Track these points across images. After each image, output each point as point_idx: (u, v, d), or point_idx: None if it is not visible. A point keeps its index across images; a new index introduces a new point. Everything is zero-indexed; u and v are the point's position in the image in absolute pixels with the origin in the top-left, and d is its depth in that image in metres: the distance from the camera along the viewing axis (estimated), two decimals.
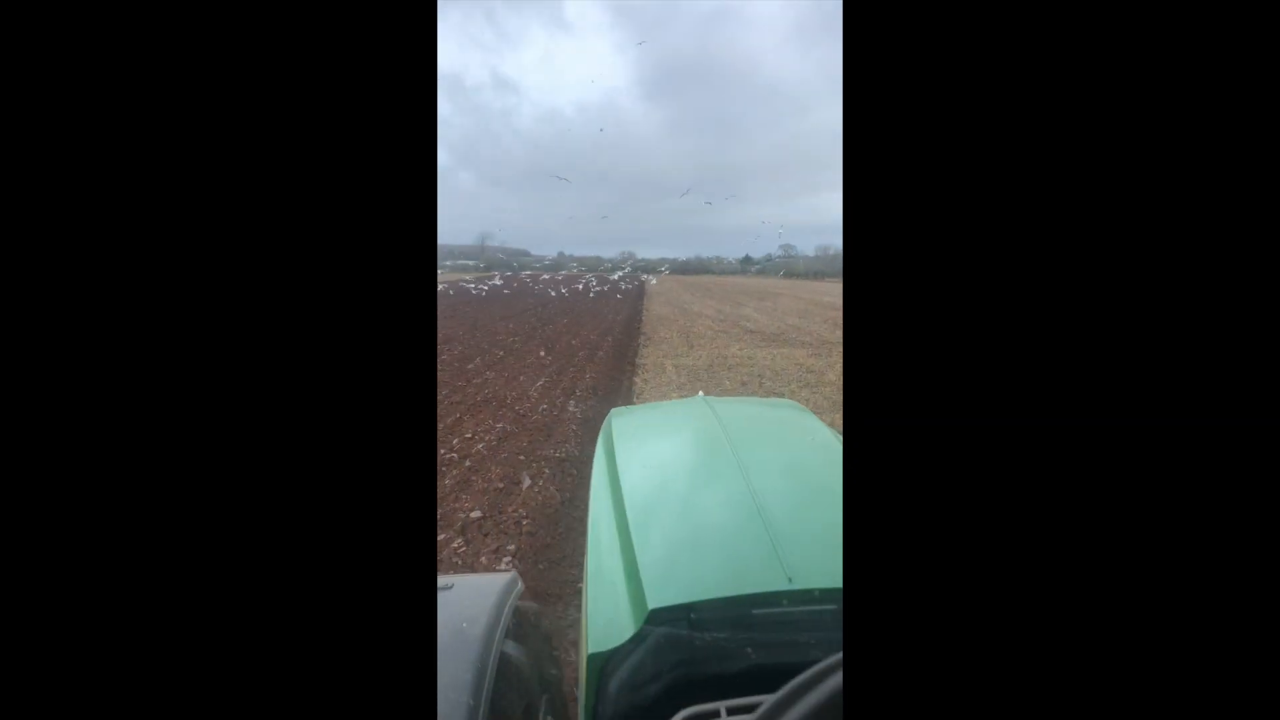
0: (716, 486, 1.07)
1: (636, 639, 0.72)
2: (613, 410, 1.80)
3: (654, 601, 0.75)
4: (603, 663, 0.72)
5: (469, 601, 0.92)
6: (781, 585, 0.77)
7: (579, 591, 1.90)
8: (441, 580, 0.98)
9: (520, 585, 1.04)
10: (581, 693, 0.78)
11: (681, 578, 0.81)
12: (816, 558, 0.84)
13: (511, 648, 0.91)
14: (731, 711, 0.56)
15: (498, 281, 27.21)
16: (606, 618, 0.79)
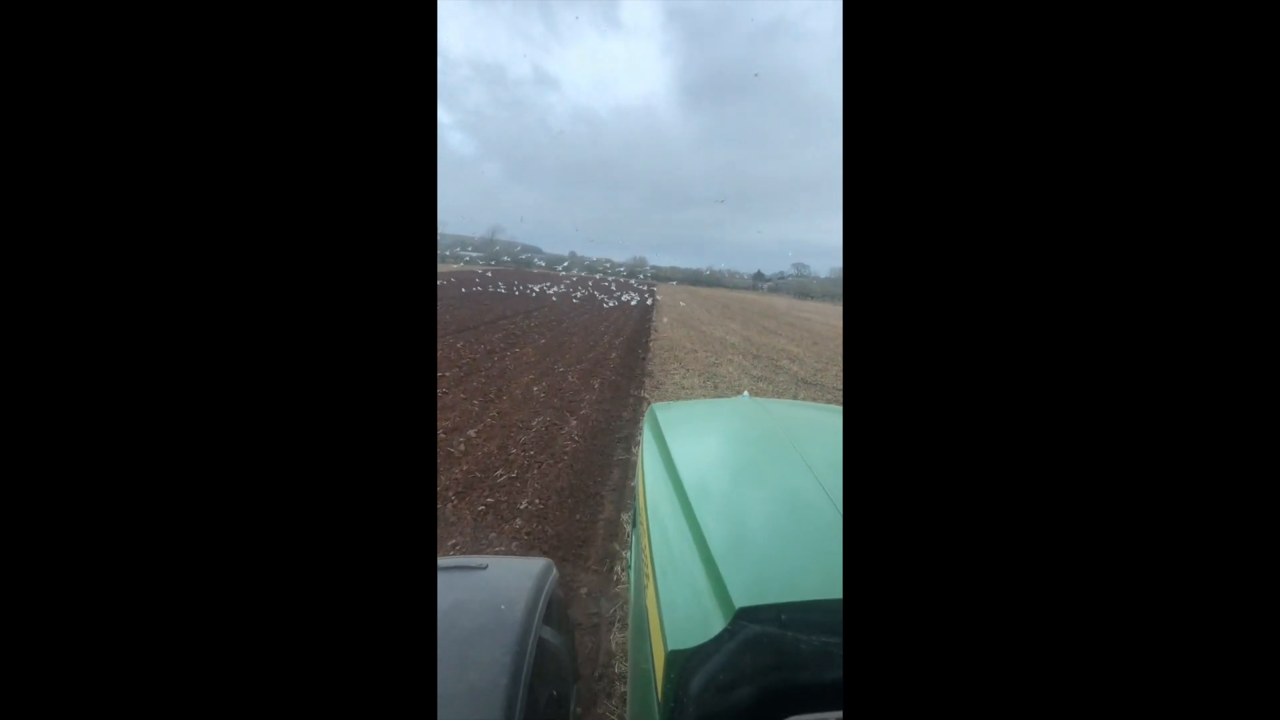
0: (789, 486, 1.01)
1: (724, 637, 0.66)
2: (654, 404, 1.66)
3: (740, 600, 0.68)
4: (684, 661, 0.66)
5: (505, 584, 0.89)
6: None
7: (627, 590, 1.79)
8: (476, 560, 0.96)
9: (555, 572, 0.99)
10: (654, 690, 0.72)
11: (767, 577, 0.74)
12: None
13: (548, 633, 0.87)
14: None
15: (485, 276, 24.08)
16: (686, 614, 0.72)
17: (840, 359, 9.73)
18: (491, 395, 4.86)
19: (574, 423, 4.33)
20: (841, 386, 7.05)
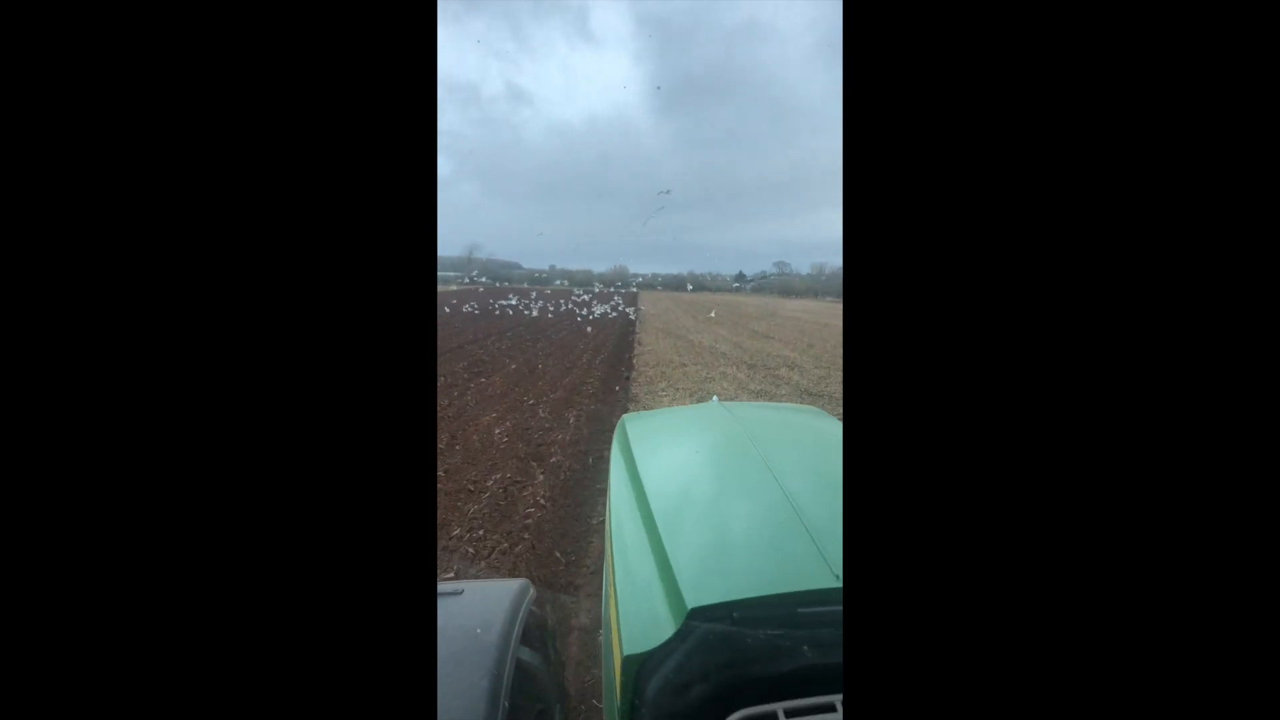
0: (746, 487, 1.04)
1: (677, 639, 0.68)
2: (625, 415, 1.69)
3: (693, 601, 0.71)
4: (639, 665, 0.68)
5: (481, 608, 0.89)
6: (829, 583, 0.74)
7: (600, 601, 1.66)
8: (451, 586, 0.94)
9: (532, 592, 1.00)
10: (615, 697, 0.73)
11: (720, 577, 0.77)
12: None
13: (527, 654, 0.87)
14: (789, 714, 0.55)
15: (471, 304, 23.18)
16: (641, 619, 0.74)
17: (840, 362, 8.98)
18: (442, 446, 3.97)
19: (541, 477, 3.45)
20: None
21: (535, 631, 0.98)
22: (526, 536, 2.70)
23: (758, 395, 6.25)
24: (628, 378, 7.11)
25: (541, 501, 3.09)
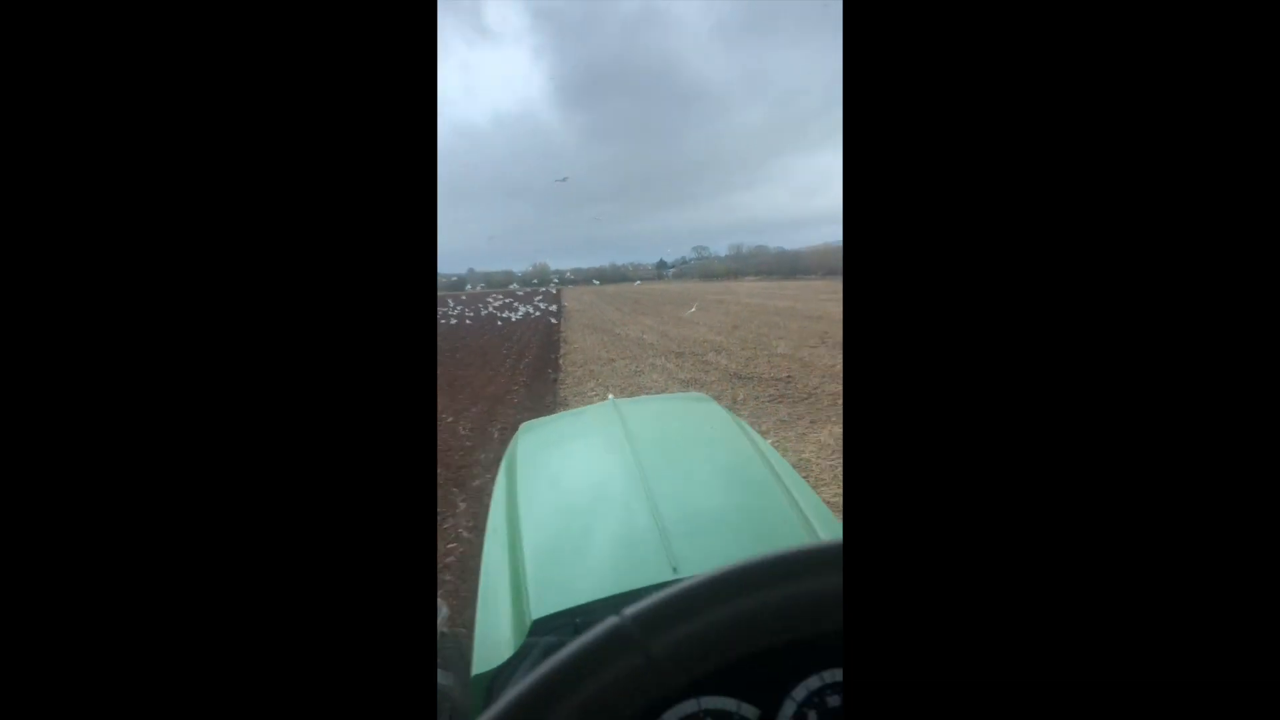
0: (612, 489, 1.01)
1: (520, 654, 0.68)
2: (523, 424, 1.62)
3: (537, 612, 0.70)
4: (488, 684, 0.68)
5: None
6: (666, 576, 0.74)
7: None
8: None
9: (446, 611, 1.00)
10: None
11: (567, 584, 0.76)
12: (704, 545, 0.81)
13: (441, 677, 0.84)
14: None
15: None
16: (491, 637, 0.74)
17: (764, 342, 9.14)
18: None
19: (463, 505, 3.15)
20: (773, 376, 6.35)
21: (451, 654, 0.94)
22: (449, 578, 2.43)
23: (687, 384, 6.19)
24: (555, 380, 6.84)
25: (464, 534, 2.81)
